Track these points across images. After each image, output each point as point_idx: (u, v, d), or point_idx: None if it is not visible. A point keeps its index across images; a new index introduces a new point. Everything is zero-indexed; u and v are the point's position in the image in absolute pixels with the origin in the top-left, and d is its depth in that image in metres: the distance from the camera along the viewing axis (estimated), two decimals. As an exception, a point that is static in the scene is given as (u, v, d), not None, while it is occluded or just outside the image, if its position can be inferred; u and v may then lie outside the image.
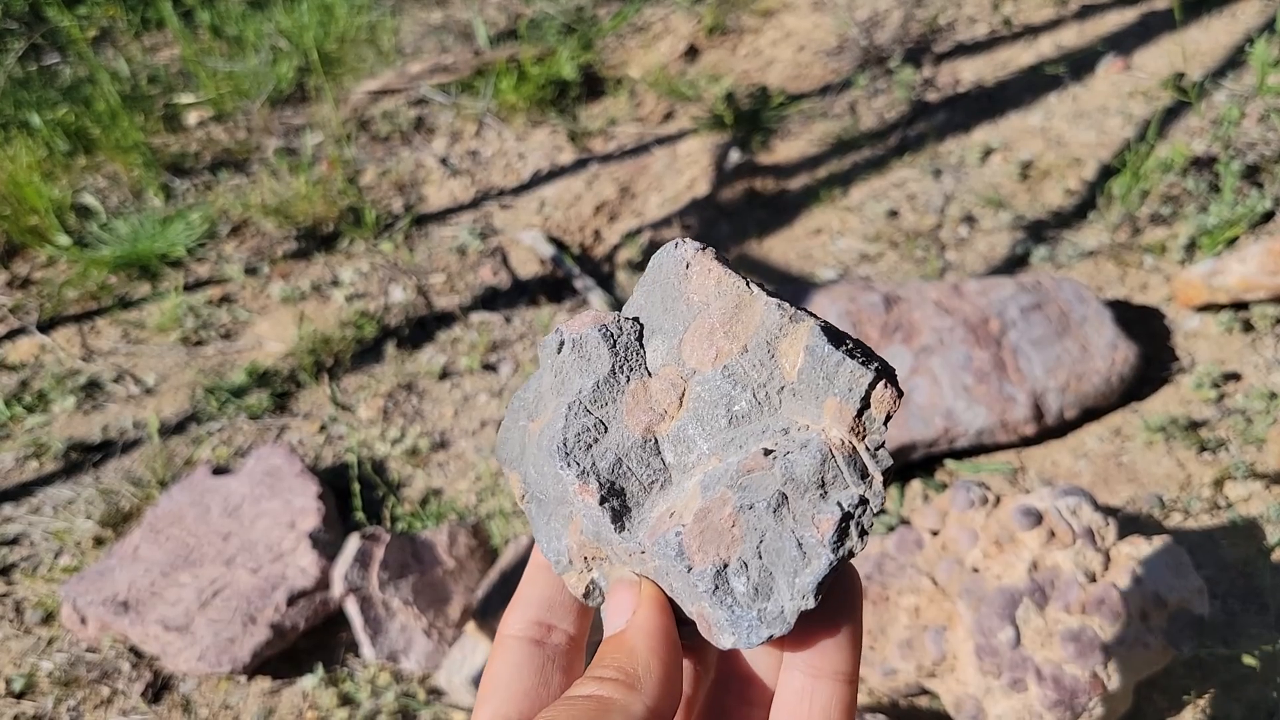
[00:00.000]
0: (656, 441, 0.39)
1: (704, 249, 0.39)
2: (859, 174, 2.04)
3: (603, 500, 0.38)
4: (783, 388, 0.37)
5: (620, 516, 0.38)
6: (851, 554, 0.35)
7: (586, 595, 0.42)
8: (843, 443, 0.36)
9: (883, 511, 0.37)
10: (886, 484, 0.36)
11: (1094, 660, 1.01)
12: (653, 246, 1.93)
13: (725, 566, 0.36)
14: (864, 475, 0.36)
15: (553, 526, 0.41)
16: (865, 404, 0.35)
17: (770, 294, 0.38)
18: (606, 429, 0.39)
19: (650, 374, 0.39)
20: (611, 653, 0.38)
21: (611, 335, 0.39)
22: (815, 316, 0.38)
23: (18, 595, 1.45)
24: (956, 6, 2.45)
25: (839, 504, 0.35)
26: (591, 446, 0.38)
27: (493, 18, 2.68)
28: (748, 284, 0.38)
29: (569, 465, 0.38)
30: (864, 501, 0.36)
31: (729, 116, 2.18)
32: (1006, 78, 2.22)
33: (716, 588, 0.36)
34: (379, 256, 1.97)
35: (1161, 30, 2.22)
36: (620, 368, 0.39)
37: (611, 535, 0.38)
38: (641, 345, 0.40)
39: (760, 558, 0.36)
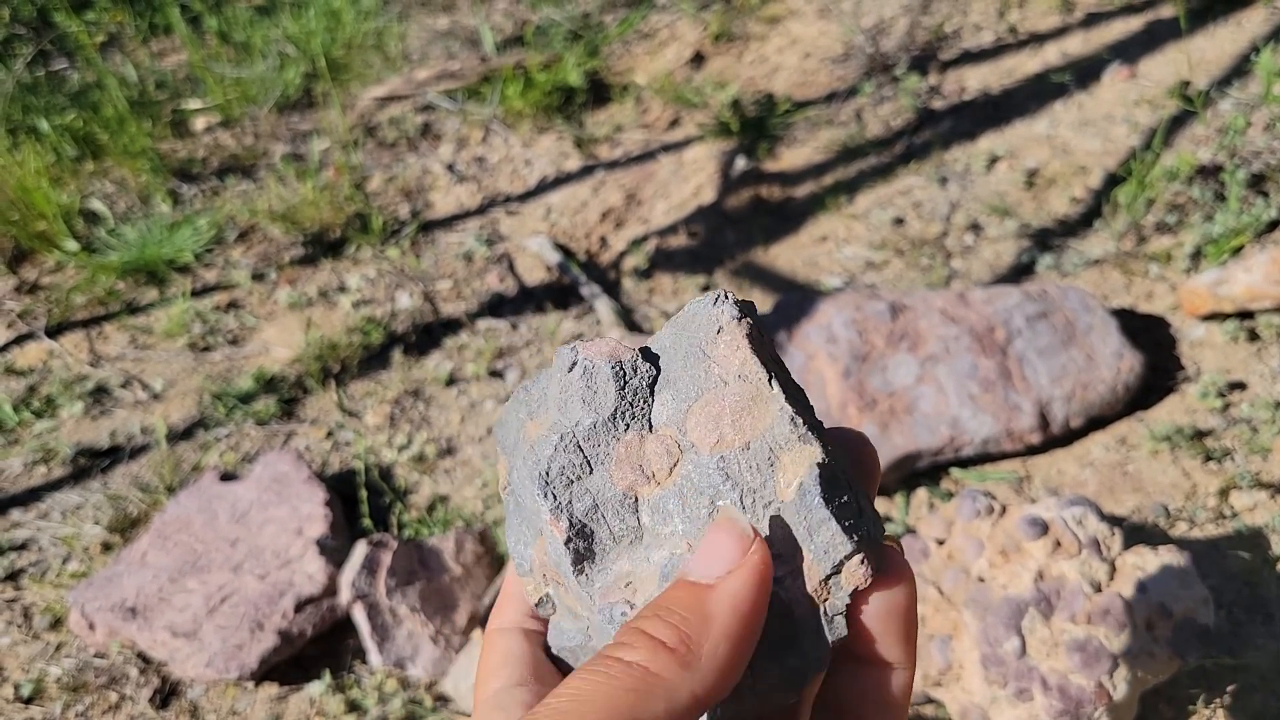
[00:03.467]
0: (637, 500, 0.37)
1: (740, 319, 0.37)
2: (865, 181, 2.05)
3: (568, 541, 0.37)
4: (770, 503, 0.35)
5: (582, 560, 0.37)
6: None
7: (539, 604, 0.41)
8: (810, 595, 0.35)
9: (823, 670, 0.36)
10: (827, 659, 0.35)
11: (1099, 670, 1.01)
12: (659, 253, 1.93)
13: None
14: (818, 632, 0.35)
15: (523, 531, 0.41)
16: (837, 570, 0.35)
17: (789, 396, 0.36)
18: (592, 470, 0.38)
19: (652, 428, 0.38)
20: (682, 604, 0.32)
21: (623, 375, 0.38)
22: (825, 442, 0.36)
23: (26, 600, 1.45)
24: (962, 14, 2.46)
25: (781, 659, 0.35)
26: (573, 484, 0.37)
27: (499, 24, 2.69)
28: (770, 379, 0.36)
29: (546, 496, 0.37)
30: (806, 665, 0.35)
31: (735, 123, 2.18)
32: (1012, 86, 2.22)
33: None
34: (386, 263, 1.98)
35: (1167, 39, 2.22)
36: (623, 414, 0.38)
37: (569, 573, 0.38)
38: (652, 393, 0.38)
39: None
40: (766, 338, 0.38)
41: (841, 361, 1.48)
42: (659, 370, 0.38)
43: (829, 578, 0.35)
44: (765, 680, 0.35)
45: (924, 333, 1.51)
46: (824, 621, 0.35)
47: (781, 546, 0.35)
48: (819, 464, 0.35)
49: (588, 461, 0.38)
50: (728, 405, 0.36)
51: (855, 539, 0.34)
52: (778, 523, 0.35)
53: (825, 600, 0.35)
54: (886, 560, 0.36)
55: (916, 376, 1.47)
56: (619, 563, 0.37)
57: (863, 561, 0.34)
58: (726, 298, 0.38)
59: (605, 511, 0.37)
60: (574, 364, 0.38)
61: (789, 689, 0.35)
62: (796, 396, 0.37)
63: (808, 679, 0.35)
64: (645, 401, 0.38)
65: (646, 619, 0.32)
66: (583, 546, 0.37)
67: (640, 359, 0.38)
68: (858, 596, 0.35)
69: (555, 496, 0.37)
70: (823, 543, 0.34)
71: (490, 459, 1.59)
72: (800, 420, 0.35)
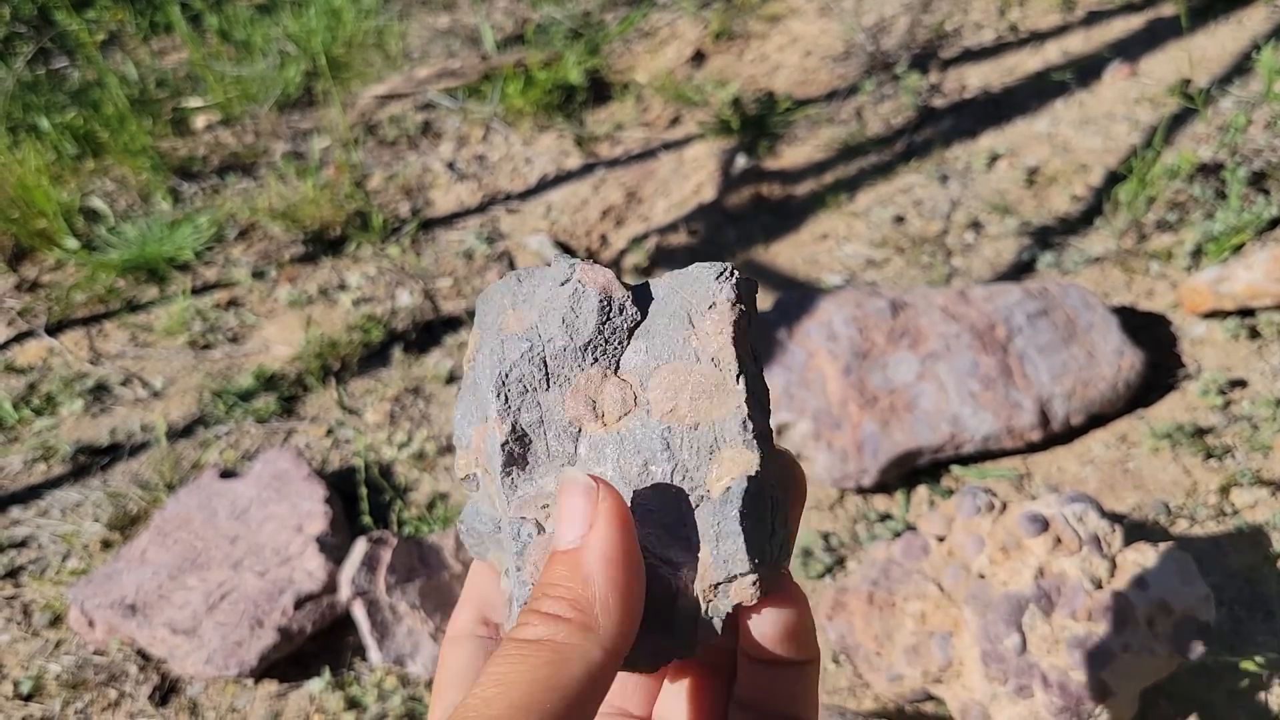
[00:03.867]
0: (579, 432, 0.38)
1: (735, 303, 0.37)
2: (865, 180, 2.04)
3: (505, 444, 0.38)
4: (696, 489, 0.36)
5: (513, 465, 0.38)
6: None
7: (465, 480, 0.42)
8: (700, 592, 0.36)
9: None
10: (693, 648, 0.36)
11: (1100, 667, 1.01)
12: (659, 251, 1.93)
13: None
14: (694, 624, 0.36)
15: (471, 410, 0.41)
16: (729, 580, 0.35)
17: (751, 396, 0.36)
18: (549, 388, 0.38)
19: (618, 370, 0.38)
20: (562, 577, 0.33)
21: (608, 311, 0.38)
22: (766, 454, 0.36)
23: (26, 598, 1.45)
24: (963, 12, 2.46)
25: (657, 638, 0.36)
26: (526, 394, 0.38)
27: (500, 23, 2.69)
28: (738, 376, 0.36)
29: (498, 396, 0.38)
30: (672, 648, 0.36)
31: (735, 122, 2.18)
32: (1013, 84, 2.22)
33: (518, 605, 0.37)
34: (386, 261, 1.98)
35: (1168, 37, 2.22)
36: (596, 347, 0.38)
37: (497, 473, 0.38)
38: (629, 338, 0.38)
39: None
40: (754, 327, 0.38)
41: (842, 359, 1.48)
42: (644, 317, 0.38)
43: (719, 585, 0.35)
44: (635, 649, 0.35)
45: (925, 330, 1.51)
46: (702, 618, 0.36)
47: (667, 516, 0.36)
48: (749, 476, 0.35)
49: (548, 378, 0.38)
50: (692, 381, 0.36)
51: (755, 562, 0.35)
52: (661, 489, 0.36)
53: (710, 602, 0.36)
54: (780, 585, 0.37)
55: (917, 374, 1.47)
56: (546, 479, 0.38)
57: (754, 584, 0.35)
58: (730, 275, 0.37)
59: (548, 430, 0.38)
60: (567, 281, 0.38)
61: (651, 662, 0.36)
62: (759, 398, 0.37)
63: (668, 660, 0.36)
64: (620, 343, 0.38)
65: (537, 600, 0.33)
66: (517, 452, 0.38)
67: (630, 302, 0.38)
68: (741, 611, 0.36)
69: (507, 400, 0.38)
70: (725, 552, 0.35)
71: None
72: (751, 425, 0.35)
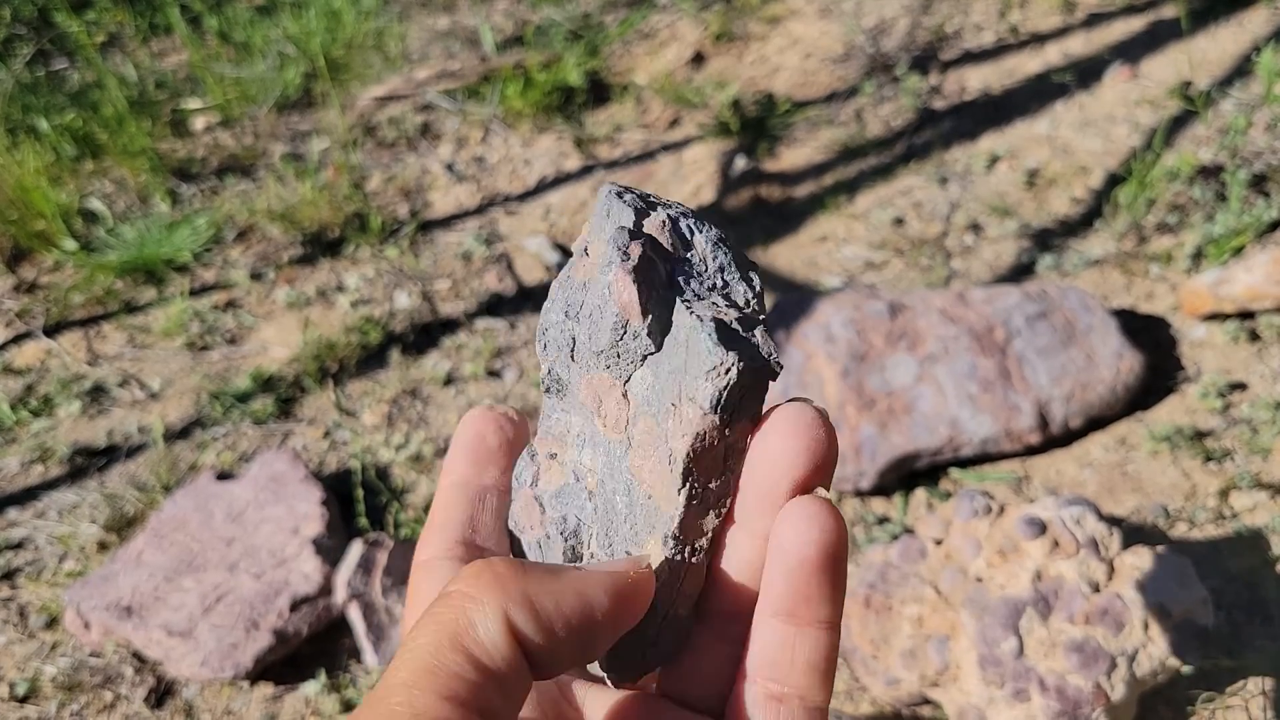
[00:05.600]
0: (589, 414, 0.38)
1: (709, 412, 0.33)
2: (865, 181, 2.04)
3: (543, 380, 0.39)
4: (635, 553, 0.36)
5: (549, 392, 0.39)
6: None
7: (546, 375, 0.41)
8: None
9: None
10: (677, 650, 0.37)
11: (1097, 671, 1.00)
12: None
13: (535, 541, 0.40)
14: (672, 629, 0.37)
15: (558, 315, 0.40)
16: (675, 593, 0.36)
17: (688, 509, 0.34)
18: (573, 361, 0.38)
19: (627, 384, 0.36)
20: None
21: (621, 333, 0.35)
22: (683, 565, 0.35)
23: (22, 599, 1.45)
24: (963, 14, 2.45)
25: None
26: (560, 351, 0.38)
27: (499, 24, 2.69)
28: (680, 489, 0.34)
29: (539, 340, 0.39)
30: (649, 658, 0.37)
31: (735, 123, 2.18)
32: (1013, 86, 2.22)
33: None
34: (384, 262, 1.97)
35: (1169, 39, 2.21)
36: (608, 356, 0.36)
37: (550, 380, 0.39)
38: (642, 362, 0.36)
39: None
40: (756, 402, 0.35)
41: (840, 361, 1.47)
42: (658, 350, 0.35)
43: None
44: (618, 660, 0.36)
45: (923, 332, 1.50)
46: (671, 620, 0.36)
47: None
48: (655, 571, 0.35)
49: (572, 355, 0.37)
50: (657, 457, 0.35)
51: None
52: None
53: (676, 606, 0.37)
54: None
55: (915, 376, 1.47)
56: (573, 417, 0.39)
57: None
58: (727, 371, 0.33)
59: (570, 392, 0.39)
60: (607, 268, 0.36)
61: (635, 672, 0.37)
62: (707, 506, 0.35)
63: (652, 669, 0.37)
64: (633, 363, 0.36)
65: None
66: (554, 388, 0.39)
67: (645, 334, 0.35)
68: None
69: (545, 346, 0.38)
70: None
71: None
72: (671, 540, 0.35)
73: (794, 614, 0.33)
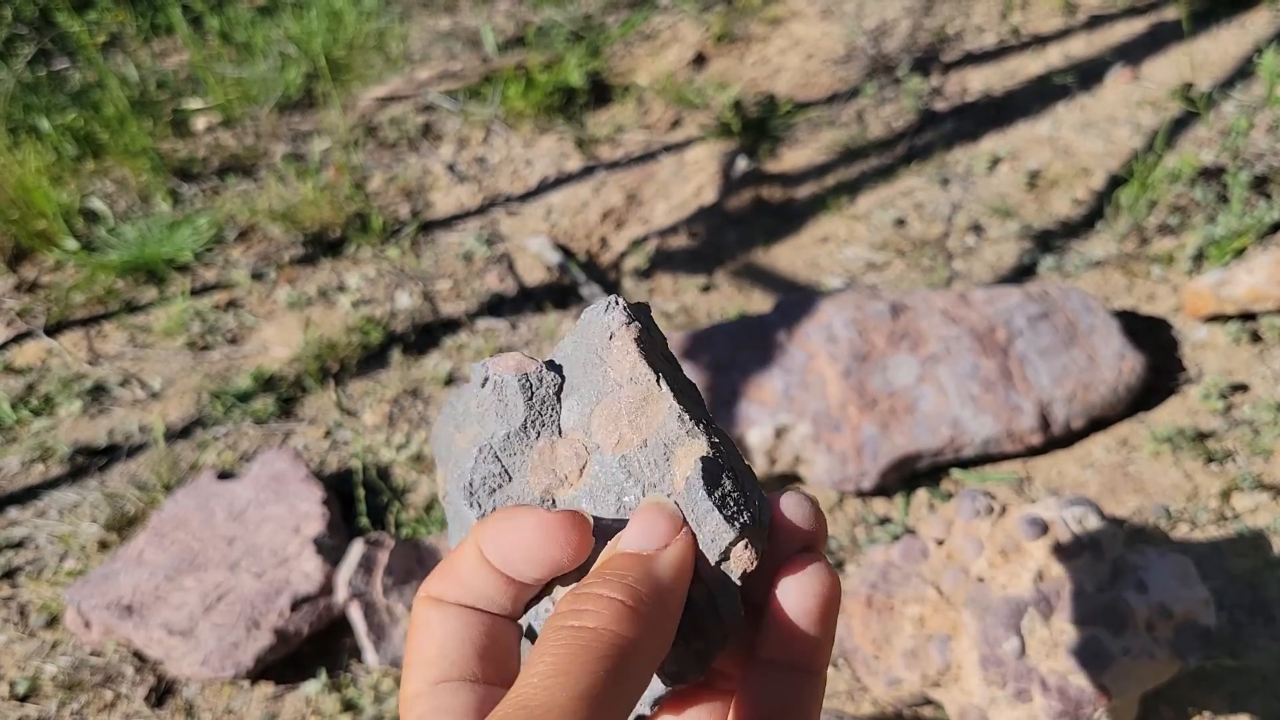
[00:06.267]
0: (554, 502, 0.40)
1: (629, 324, 0.39)
2: (866, 183, 2.04)
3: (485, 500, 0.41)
4: (671, 495, 0.37)
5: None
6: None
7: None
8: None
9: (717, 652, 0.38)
10: (726, 637, 0.37)
11: (1099, 671, 1.00)
12: (659, 254, 1.93)
13: None
14: (717, 616, 0.37)
15: (459, 533, 0.43)
16: (725, 557, 0.36)
17: (678, 395, 0.38)
18: (510, 478, 0.40)
19: (561, 433, 0.40)
20: (628, 569, 0.33)
21: (530, 387, 0.40)
22: (712, 434, 0.38)
23: (22, 598, 1.45)
24: (965, 16, 2.45)
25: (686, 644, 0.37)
26: (495, 491, 0.40)
27: (501, 25, 2.69)
28: (658, 380, 0.38)
29: (472, 505, 0.40)
30: (708, 646, 0.37)
31: (736, 124, 2.18)
32: (1015, 87, 2.22)
33: None
34: (385, 262, 1.97)
35: (1170, 40, 2.22)
36: (533, 422, 0.40)
37: None
38: (559, 400, 0.40)
39: None
40: (658, 338, 0.41)
41: (842, 361, 1.47)
42: (564, 378, 0.41)
43: (719, 563, 0.36)
44: (679, 661, 0.37)
45: (925, 333, 1.50)
46: (721, 602, 0.37)
47: None
48: (702, 458, 0.36)
49: (505, 471, 0.40)
50: (624, 407, 0.38)
51: (738, 525, 0.35)
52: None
53: (720, 584, 0.37)
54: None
55: (917, 376, 1.47)
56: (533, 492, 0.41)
57: (746, 546, 0.36)
58: (617, 304, 0.40)
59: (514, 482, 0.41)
60: (485, 380, 0.41)
61: (698, 666, 0.37)
62: (686, 392, 0.39)
63: (712, 659, 0.38)
64: (553, 409, 0.40)
65: (596, 584, 0.32)
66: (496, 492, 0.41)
67: (545, 369, 0.40)
68: (750, 580, 0.36)
69: (480, 505, 0.40)
70: (709, 532, 0.36)
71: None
72: (687, 416, 0.37)
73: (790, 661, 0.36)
